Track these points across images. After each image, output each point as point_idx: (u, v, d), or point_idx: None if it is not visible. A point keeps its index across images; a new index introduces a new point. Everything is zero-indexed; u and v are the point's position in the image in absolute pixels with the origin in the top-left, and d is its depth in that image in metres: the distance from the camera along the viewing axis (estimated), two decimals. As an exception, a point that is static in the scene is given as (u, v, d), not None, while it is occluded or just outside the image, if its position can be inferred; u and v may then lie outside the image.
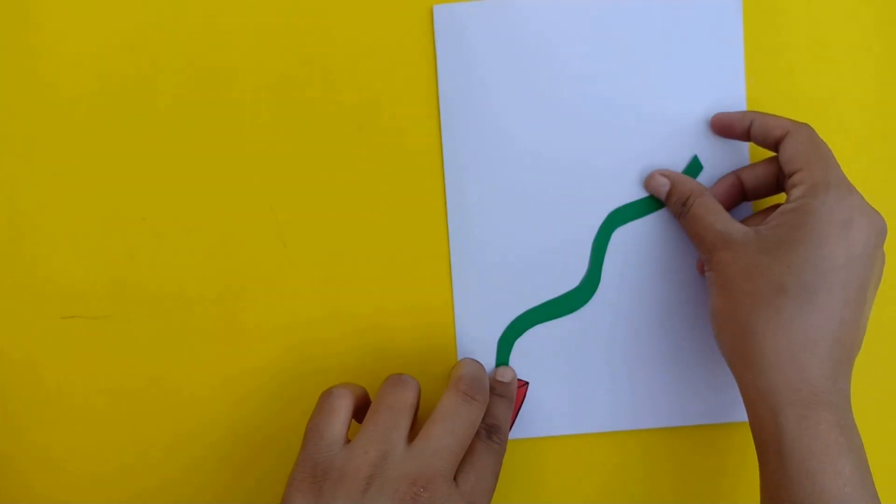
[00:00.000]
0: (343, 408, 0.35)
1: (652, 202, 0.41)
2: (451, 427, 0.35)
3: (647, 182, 0.41)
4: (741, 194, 0.40)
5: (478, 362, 0.39)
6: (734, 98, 0.41)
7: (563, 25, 0.41)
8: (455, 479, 0.34)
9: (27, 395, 0.42)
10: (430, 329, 0.42)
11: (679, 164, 0.41)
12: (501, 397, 0.39)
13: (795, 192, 0.35)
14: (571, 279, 0.41)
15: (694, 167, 0.41)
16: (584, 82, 0.41)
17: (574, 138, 0.41)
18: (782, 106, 0.41)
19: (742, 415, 0.41)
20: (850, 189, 0.35)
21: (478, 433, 0.37)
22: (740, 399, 0.36)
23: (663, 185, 0.40)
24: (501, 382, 0.40)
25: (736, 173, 0.40)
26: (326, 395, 0.36)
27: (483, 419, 0.37)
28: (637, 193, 0.41)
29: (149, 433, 0.42)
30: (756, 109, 0.41)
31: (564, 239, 0.41)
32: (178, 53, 0.41)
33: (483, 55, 0.41)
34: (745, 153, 0.41)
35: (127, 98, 0.41)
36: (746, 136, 0.39)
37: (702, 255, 0.38)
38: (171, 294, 0.42)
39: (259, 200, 0.42)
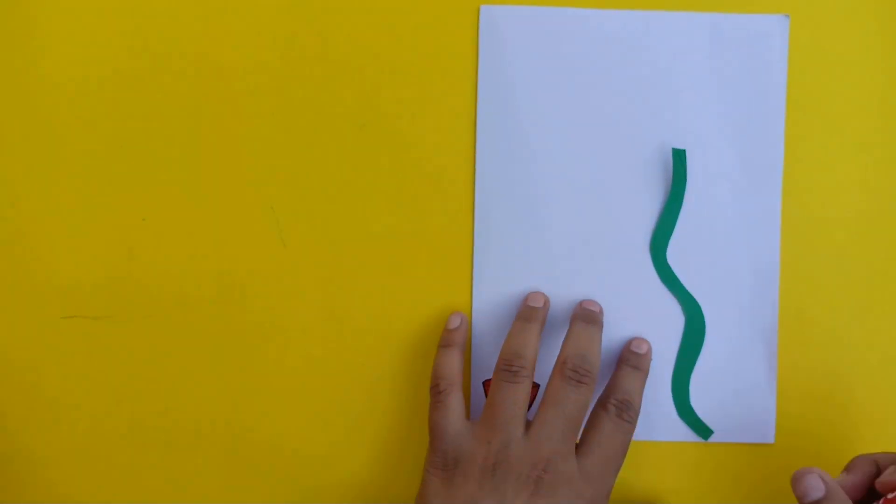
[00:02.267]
0: (455, 402, 0.38)
1: (674, 203, 0.40)
2: (561, 411, 0.36)
3: (796, 482, 0.34)
4: (871, 482, 0.35)
5: (589, 331, 0.39)
6: (772, 137, 0.41)
7: (607, 41, 0.41)
8: (579, 454, 0.36)
9: (27, 396, 0.42)
10: (431, 330, 0.42)
11: (704, 180, 0.41)
12: (635, 370, 0.39)
13: None
14: (609, 298, 0.41)
15: (678, 158, 0.40)
16: (622, 100, 0.41)
17: (610, 156, 0.41)
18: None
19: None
20: None
21: (606, 407, 0.38)
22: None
23: (816, 491, 0.34)
24: (636, 353, 0.40)
25: (874, 458, 0.36)
26: (437, 394, 0.39)
27: (614, 393, 0.38)
28: (656, 202, 0.41)
29: (149, 433, 0.42)
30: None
31: (593, 256, 0.41)
32: (179, 53, 0.41)
33: (525, 60, 0.41)
34: (778, 188, 0.41)
35: (127, 98, 0.41)
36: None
37: None
38: (171, 294, 0.42)
39: (259, 200, 0.41)
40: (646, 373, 0.39)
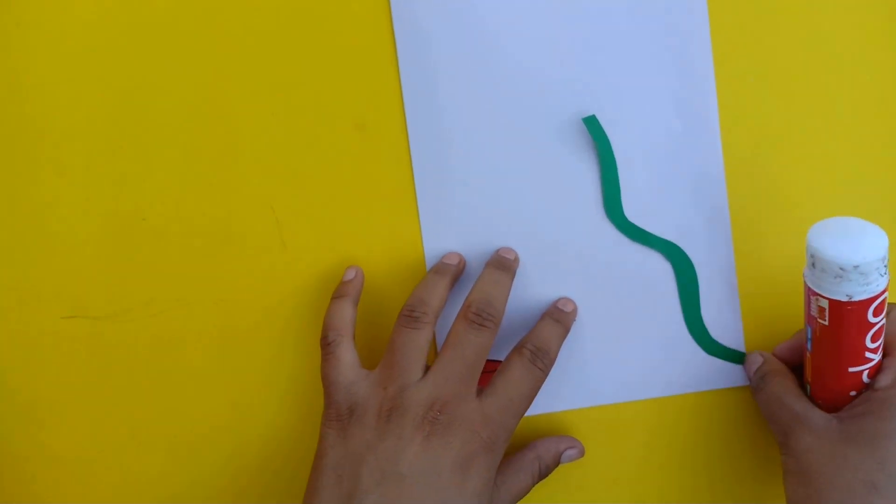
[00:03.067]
0: (345, 352, 0.38)
1: (608, 166, 0.40)
2: (460, 353, 0.36)
3: (745, 361, 0.40)
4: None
5: (498, 277, 0.39)
6: (703, 81, 0.41)
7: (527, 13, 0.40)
8: (483, 395, 0.36)
9: (27, 395, 0.42)
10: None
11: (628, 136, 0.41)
12: (556, 322, 0.39)
13: (883, 379, 0.34)
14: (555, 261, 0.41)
15: (591, 126, 0.39)
16: (544, 64, 0.41)
17: (543, 130, 0.41)
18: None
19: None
20: None
21: (521, 352, 0.37)
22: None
23: (755, 362, 0.39)
24: (560, 310, 0.40)
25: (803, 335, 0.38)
26: (326, 346, 0.38)
27: (532, 339, 0.38)
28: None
29: (149, 433, 0.42)
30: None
31: (555, 239, 0.41)
32: (178, 53, 0.41)
33: (445, 36, 0.41)
34: (716, 134, 0.41)
35: (126, 97, 0.41)
36: None
37: (777, 437, 0.37)
38: (171, 294, 0.42)
39: (259, 200, 0.41)
40: (567, 329, 0.39)
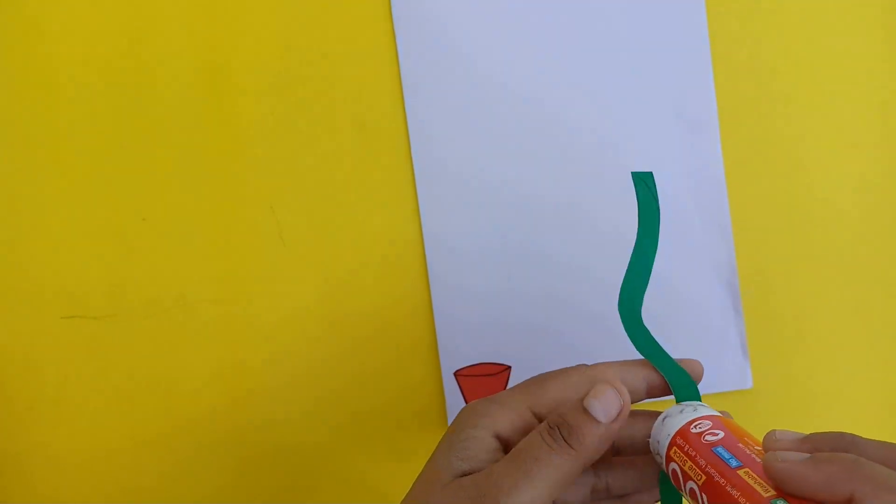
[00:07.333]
0: None
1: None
2: None
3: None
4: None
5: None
6: (703, 81, 0.41)
7: (532, 13, 0.41)
8: None
9: (27, 395, 0.42)
10: (432, 330, 0.42)
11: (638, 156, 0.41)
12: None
13: None
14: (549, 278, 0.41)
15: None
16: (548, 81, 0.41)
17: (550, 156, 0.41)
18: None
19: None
20: None
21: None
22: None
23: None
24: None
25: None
26: None
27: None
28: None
29: (149, 433, 0.42)
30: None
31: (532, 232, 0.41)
32: (179, 53, 0.41)
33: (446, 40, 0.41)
34: (716, 134, 0.41)
35: (127, 98, 0.41)
36: None
37: None
38: (171, 294, 0.42)
39: (259, 200, 0.41)
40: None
